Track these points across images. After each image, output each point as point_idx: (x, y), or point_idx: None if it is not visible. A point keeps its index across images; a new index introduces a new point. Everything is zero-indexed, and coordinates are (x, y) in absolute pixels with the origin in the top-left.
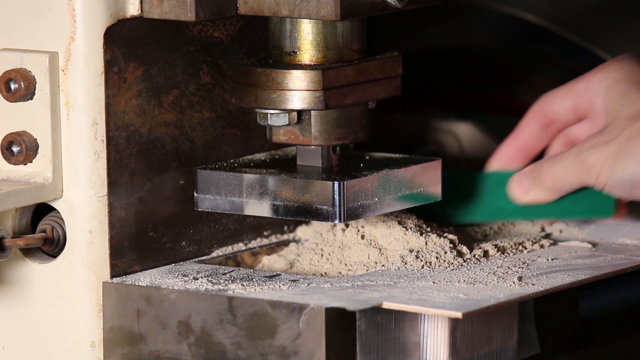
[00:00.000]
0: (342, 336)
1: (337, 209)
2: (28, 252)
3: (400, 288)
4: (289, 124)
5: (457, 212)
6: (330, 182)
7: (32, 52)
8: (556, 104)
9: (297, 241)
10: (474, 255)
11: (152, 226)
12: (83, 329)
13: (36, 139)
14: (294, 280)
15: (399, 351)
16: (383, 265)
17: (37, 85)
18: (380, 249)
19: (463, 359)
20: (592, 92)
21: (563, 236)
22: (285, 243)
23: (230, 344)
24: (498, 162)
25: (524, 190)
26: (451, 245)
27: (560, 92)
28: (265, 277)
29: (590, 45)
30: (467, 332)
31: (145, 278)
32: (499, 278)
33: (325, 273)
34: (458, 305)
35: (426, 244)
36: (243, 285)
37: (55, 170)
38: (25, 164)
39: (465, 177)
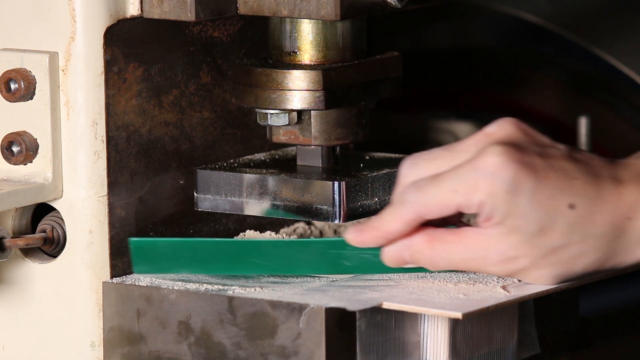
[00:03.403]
0: (342, 336)
1: (337, 209)
2: (28, 252)
3: (400, 288)
4: (289, 124)
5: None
6: (330, 182)
7: (32, 52)
8: None
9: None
10: None
11: (152, 226)
12: (83, 329)
13: (36, 139)
14: None
15: (399, 351)
16: None
17: (37, 85)
18: None
19: (463, 359)
20: None
21: None
22: None
23: (230, 344)
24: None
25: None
26: None
27: None
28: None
29: (590, 45)
30: (467, 332)
31: (145, 278)
32: (499, 278)
33: None
34: (458, 305)
35: None
36: (243, 285)
37: (55, 170)
38: (25, 164)
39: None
